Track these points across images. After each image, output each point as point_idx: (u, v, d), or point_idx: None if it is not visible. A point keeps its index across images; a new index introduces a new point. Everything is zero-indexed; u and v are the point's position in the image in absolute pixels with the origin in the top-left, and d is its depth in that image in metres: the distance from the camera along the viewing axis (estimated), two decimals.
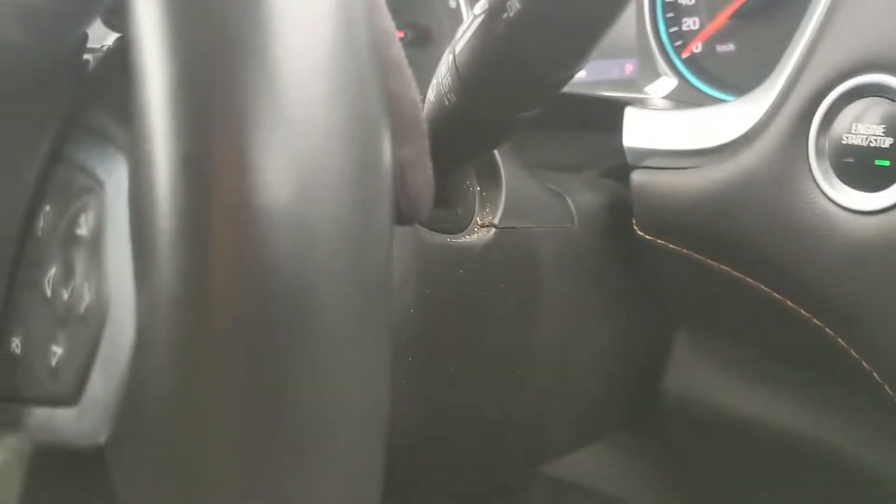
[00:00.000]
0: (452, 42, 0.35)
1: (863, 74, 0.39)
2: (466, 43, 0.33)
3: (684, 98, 0.56)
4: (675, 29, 0.57)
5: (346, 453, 0.21)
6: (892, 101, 0.38)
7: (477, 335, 0.42)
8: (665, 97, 0.57)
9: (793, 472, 0.50)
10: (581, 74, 0.62)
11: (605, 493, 0.61)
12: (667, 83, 0.57)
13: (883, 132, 0.38)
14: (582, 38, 0.31)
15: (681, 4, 0.57)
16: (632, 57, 0.59)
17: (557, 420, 0.50)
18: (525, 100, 0.32)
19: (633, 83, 0.59)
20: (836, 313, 0.41)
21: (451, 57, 0.34)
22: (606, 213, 0.50)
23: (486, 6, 0.32)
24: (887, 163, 0.38)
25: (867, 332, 0.40)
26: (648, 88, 0.58)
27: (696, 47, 0.56)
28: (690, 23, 0.57)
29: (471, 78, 0.32)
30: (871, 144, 0.39)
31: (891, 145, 0.38)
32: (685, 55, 0.57)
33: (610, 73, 0.60)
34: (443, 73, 0.35)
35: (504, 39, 0.31)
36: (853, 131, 0.39)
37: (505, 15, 0.31)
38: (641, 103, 0.49)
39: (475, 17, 0.33)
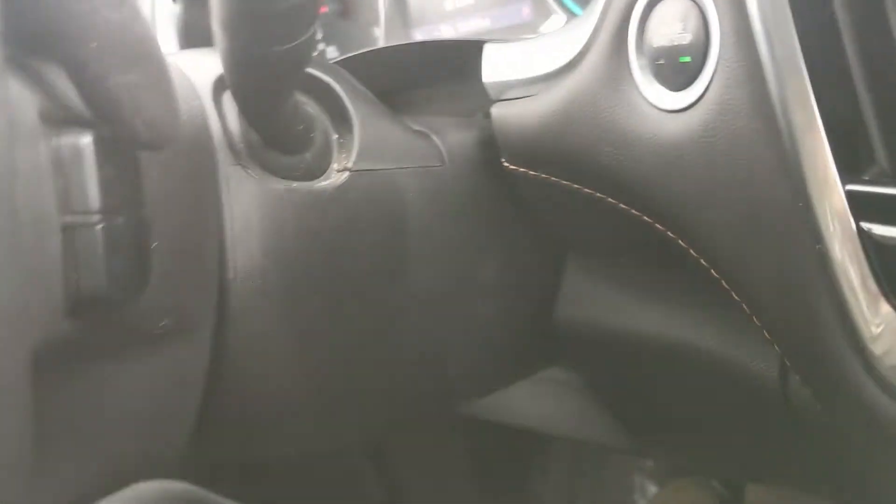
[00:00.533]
0: None
1: None
2: None
3: None
4: None
5: None
6: None
7: (338, 274, 0.44)
8: None
9: (683, 379, 0.50)
10: (485, 23, 0.64)
11: (534, 429, 0.62)
12: (558, 20, 0.58)
13: (682, 29, 0.38)
14: None
15: None
16: (526, 0, 0.60)
17: (460, 356, 0.51)
18: (277, 30, 0.34)
19: (530, 25, 0.60)
20: (666, 214, 0.41)
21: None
22: (479, 149, 0.51)
23: None
24: (688, 59, 0.38)
25: (691, 228, 0.40)
26: (543, 28, 0.59)
27: None
28: None
29: (224, 17, 0.34)
30: (674, 43, 0.39)
31: (689, 41, 0.38)
32: None
33: (510, 19, 0.61)
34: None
35: None
36: (660, 33, 0.40)
37: None
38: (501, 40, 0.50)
39: None
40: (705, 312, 0.47)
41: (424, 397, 0.52)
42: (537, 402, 0.65)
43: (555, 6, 0.58)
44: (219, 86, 0.42)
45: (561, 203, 0.48)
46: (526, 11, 0.60)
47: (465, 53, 0.52)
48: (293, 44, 0.34)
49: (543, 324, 0.55)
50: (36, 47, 0.32)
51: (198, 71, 0.43)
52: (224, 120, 0.42)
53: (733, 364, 0.47)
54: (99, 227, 0.31)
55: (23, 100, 0.29)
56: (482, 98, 0.51)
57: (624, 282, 0.51)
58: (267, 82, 0.37)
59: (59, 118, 0.30)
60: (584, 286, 0.53)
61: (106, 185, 0.31)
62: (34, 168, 0.29)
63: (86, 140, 0.30)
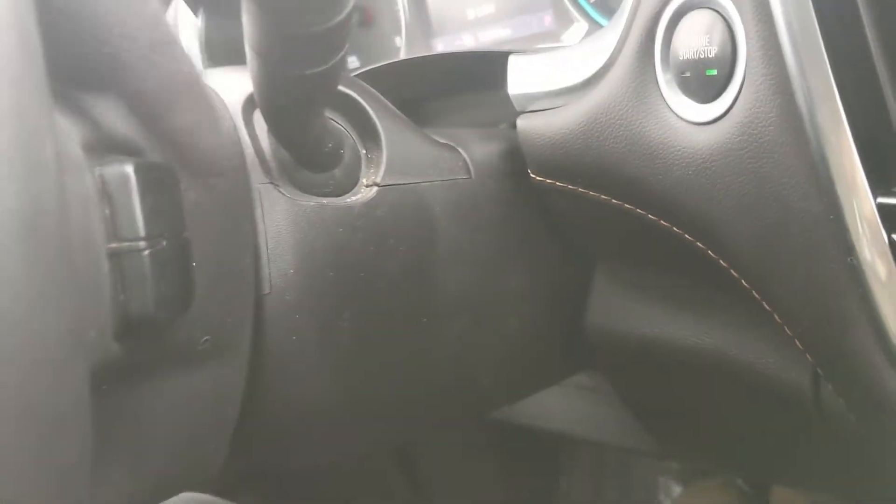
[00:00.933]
0: None
1: None
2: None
3: None
4: None
5: None
6: (714, 10, 0.38)
7: (369, 288, 0.45)
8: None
9: (712, 385, 0.50)
10: (507, 32, 0.64)
11: (560, 432, 0.62)
12: (579, 29, 0.58)
13: (708, 42, 0.38)
14: None
15: None
16: (548, 8, 0.60)
17: (489, 366, 0.52)
18: (311, 52, 0.34)
19: (552, 34, 0.60)
20: (694, 226, 0.41)
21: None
22: (505, 160, 0.51)
23: None
24: (715, 71, 0.38)
25: (720, 240, 0.40)
26: (565, 36, 0.59)
27: None
28: None
29: (256, 40, 0.34)
30: (701, 56, 0.39)
31: (715, 54, 0.38)
32: None
33: (531, 28, 0.61)
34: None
35: None
36: (686, 45, 0.40)
37: None
38: (526, 51, 0.50)
39: None
40: (736, 321, 0.47)
41: (454, 406, 0.53)
42: (563, 405, 0.65)
43: (577, 14, 0.58)
44: (249, 105, 0.43)
45: (588, 214, 0.48)
46: (548, 20, 0.61)
47: (490, 65, 0.52)
48: (327, 65, 0.35)
49: (572, 331, 0.55)
50: (76, 79, 0.32)
51: (228, 91, 0.43)
52: (255, 139, 0.42)
53: (764, 373, 0.47)
54: (146, 252, 0.31)
55: (66, 131, 0.30)
56: (506, 108, 0.51)
57: (653, 291, 0.51)
58: (299, 103, 0.38)
59: (101, 148, 0.31)
60: (613, 294, 0.53)
61: (151, 211, 0.32)
62: (80, 197, 0.30)
63: (130, 168, 0.31)
